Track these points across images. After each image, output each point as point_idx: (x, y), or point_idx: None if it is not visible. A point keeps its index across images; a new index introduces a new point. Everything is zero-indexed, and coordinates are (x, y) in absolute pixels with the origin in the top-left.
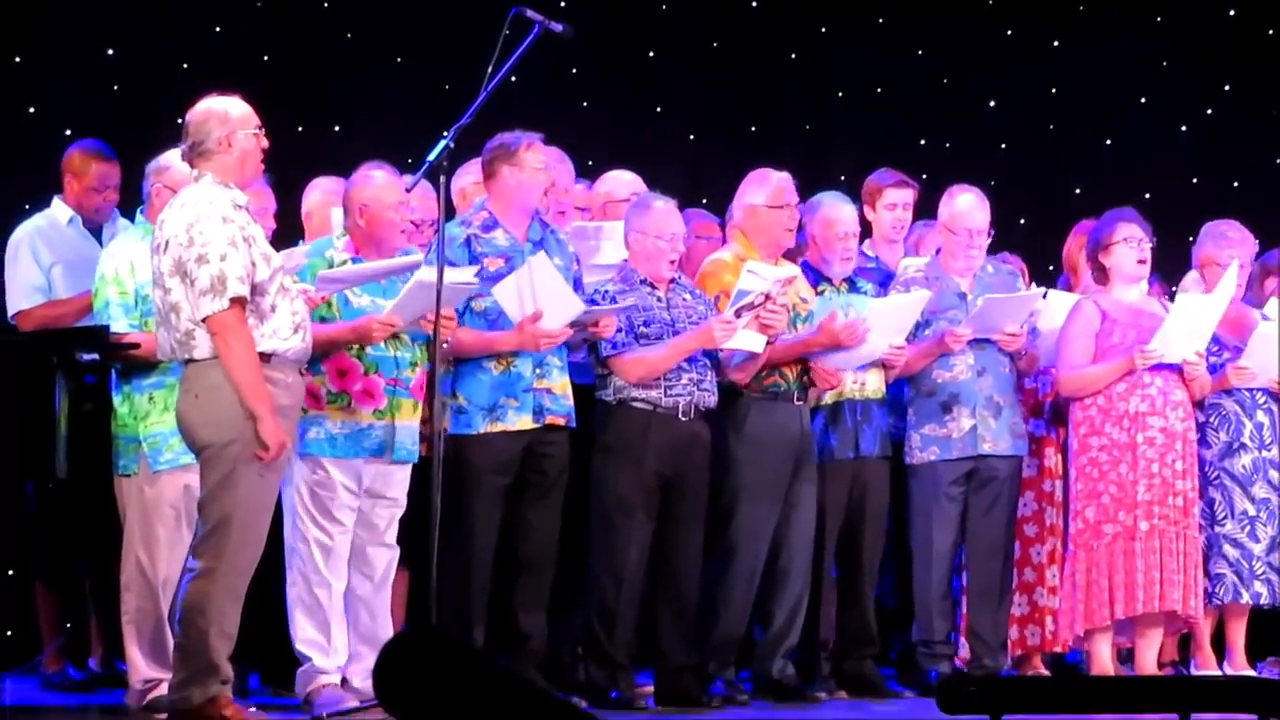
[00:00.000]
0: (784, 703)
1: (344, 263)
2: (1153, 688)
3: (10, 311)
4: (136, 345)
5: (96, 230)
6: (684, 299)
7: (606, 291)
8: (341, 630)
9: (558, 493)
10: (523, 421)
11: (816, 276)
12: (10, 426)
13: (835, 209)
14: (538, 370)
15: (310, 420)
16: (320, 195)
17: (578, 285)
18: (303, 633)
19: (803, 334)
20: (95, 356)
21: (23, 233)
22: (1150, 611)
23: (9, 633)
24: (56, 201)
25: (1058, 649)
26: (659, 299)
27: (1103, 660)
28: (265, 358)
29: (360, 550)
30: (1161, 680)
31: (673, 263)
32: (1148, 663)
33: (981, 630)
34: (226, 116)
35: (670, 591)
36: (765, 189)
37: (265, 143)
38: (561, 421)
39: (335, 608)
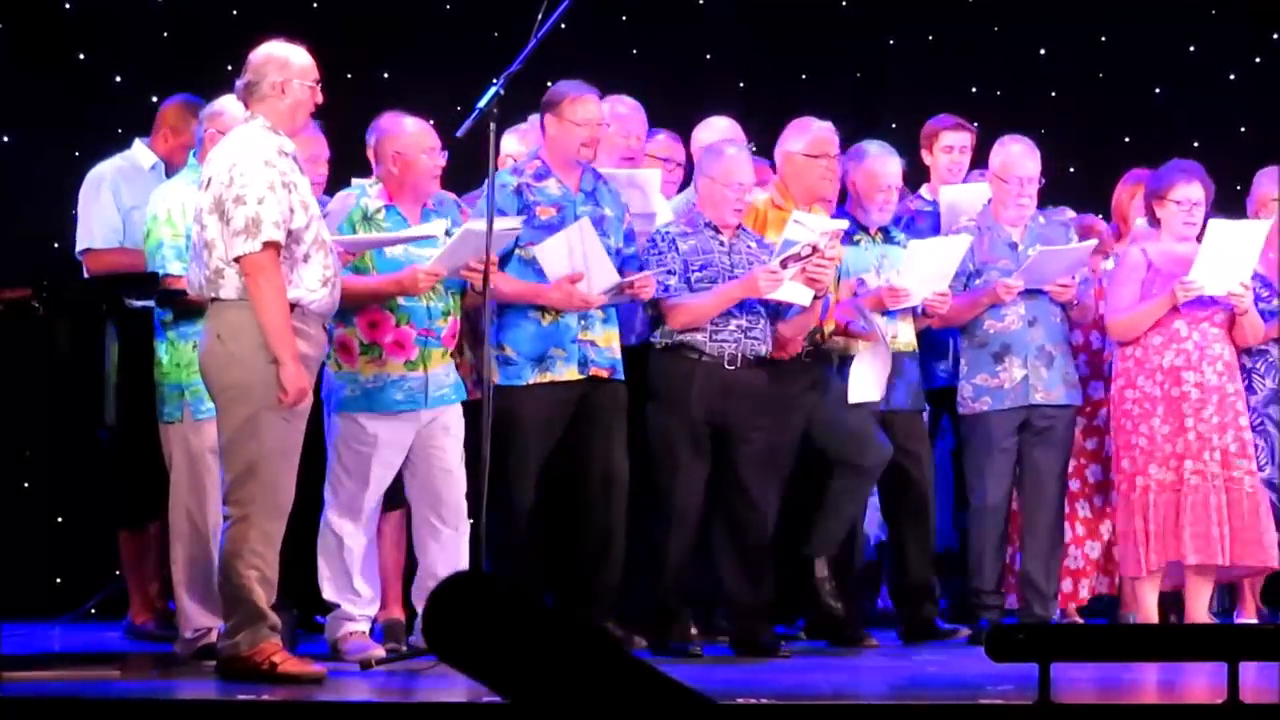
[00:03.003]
0: (836, 648)
1: (378, 210)
2: (1200, 636)
3: (80, 246)
4: (183, 293)
5: None
6: (748, 246)
7: (668, 233)
8: (369, 579)
9: (619, 429)
10: (570, 372)
11: (854, 225)
12: (60, 375)
13: (880, 161)
14: (582, 321)
15: (345, 377)
16: None
17: (629, 236)
18: (328, 585)
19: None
20: (148, 303)
21: (103, 172)
22: (1178, 562)
23: (58, 580)
24: (139, 145)
25: (1102, 592)
26: (721, 244)
27: (1148, 608)
28: (290, 307)
29: (423, 499)
30: (1209, 628)
31: (738, 210)
32: (1198, 612)
33: (1035, 578)
34: (286, 63)
35: (733, 538)
36: (804, 138)
37: (320, 98)
38: (605, 374)
39: (364, 561)
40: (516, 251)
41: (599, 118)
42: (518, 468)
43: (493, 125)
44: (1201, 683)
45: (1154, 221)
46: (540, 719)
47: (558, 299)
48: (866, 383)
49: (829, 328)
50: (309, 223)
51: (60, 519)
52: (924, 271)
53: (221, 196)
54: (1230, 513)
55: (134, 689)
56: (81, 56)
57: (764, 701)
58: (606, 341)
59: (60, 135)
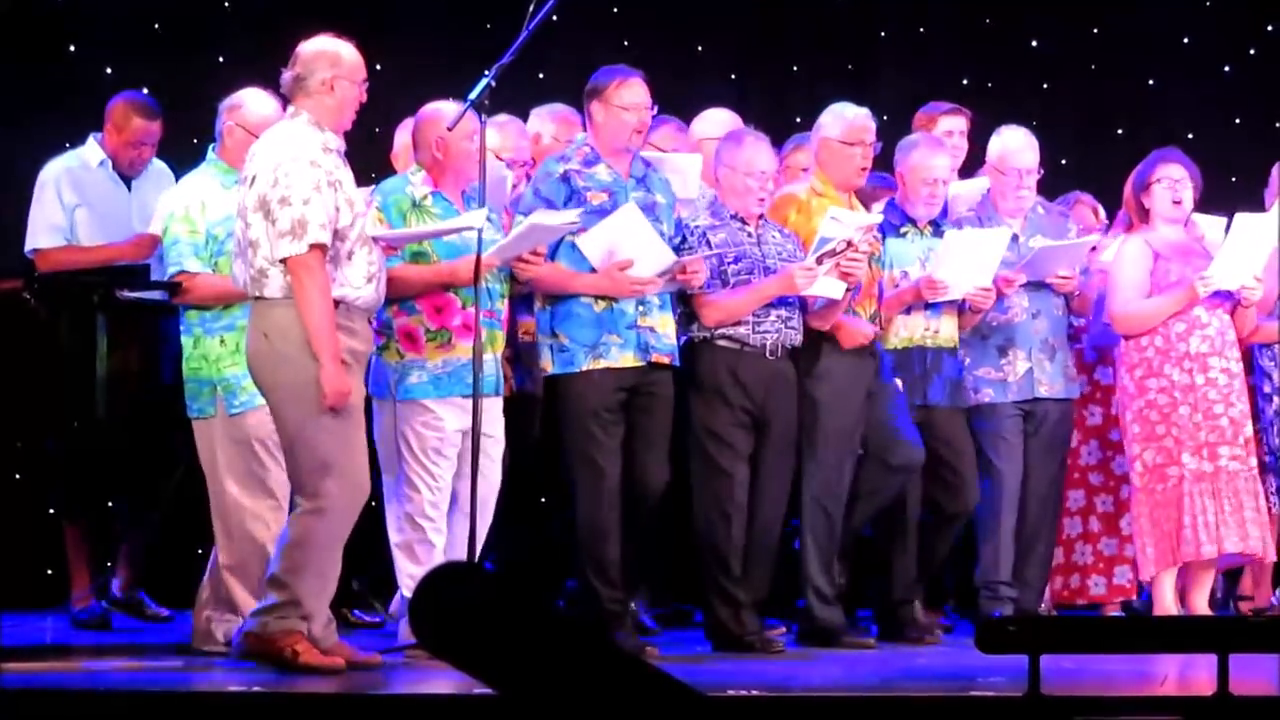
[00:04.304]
0: (830, 647)
1: (424, 197)
2: (1189, 628)
3: (28, 246)
4: (178, 285)
5: (127, 179)
6: (774, 236)
7: (698, 227)
8: None
9: (662, 440)
10: (626, 359)
11: (903, 216)
12: (52, 366)
13: (927, 155)
14: (640, 307)
15: (410, 364)
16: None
17: (679, 225)
18: (410, 579)
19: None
20: (141, 295)
21: (51, 171)
22: (1224, 553)
23: (49, 572)
24: (92, 142)
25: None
26: (749, 234)
27: (1165, 600)
28: (335, 304)
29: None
30: (1198, 620)
31: (762, 200)
32: (1199, 604)
33: (1027, 573)
34: (337, 59)
35: (753, 530)
36: (840, 123)
37: (364, 96)
38: (666, 360)
39: (439, 554)
40: (566, 237)
41: (646, 101)
42: (596, 449)
43: (483, 117)
44: (1191, 675)
45: (1143, 216)
46: (530, 712)
47: (607, 287)
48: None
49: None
50: (354, 220)
51: (51, 510)
52: (962, 264)
53: (266, 196)
54: (1256, 501)
55: (128, 680)
56: (72, 49)
57: (754, 694)
58: (664, 327)
59: (50, 128)
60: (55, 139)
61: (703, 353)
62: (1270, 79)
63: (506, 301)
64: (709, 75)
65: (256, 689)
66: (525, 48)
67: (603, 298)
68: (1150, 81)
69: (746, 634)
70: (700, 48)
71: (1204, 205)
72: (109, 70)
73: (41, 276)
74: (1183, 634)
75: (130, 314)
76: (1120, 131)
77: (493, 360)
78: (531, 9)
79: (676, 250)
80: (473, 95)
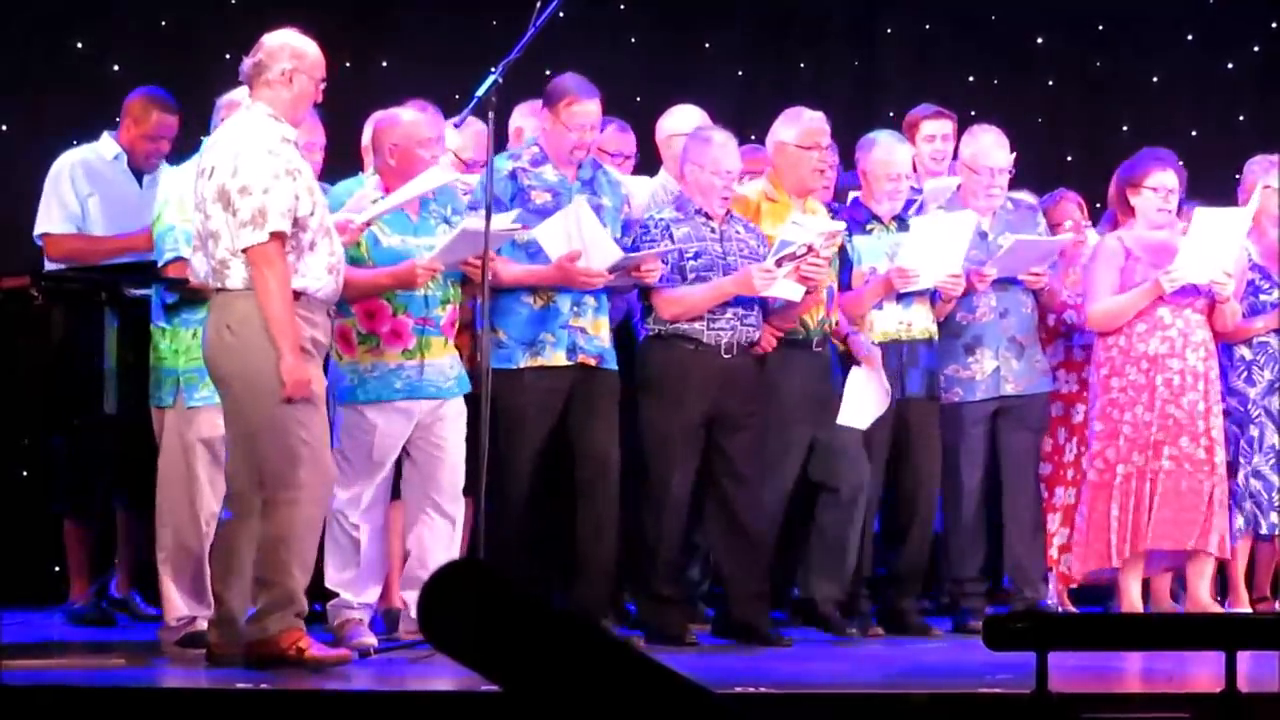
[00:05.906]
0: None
1: (374, 201)
2: (1198, 625)
3: (38, 230)
4: (186, 280)
5: (139, 174)
6: (738, 232)
7: (662, 220)
8: (370, 568)
9: (610, 416)
10: (558, 357)
11: (868, 214)
12: (58, 363)
13: (887, 149)
14: (574, 308)
15: (345, 367)
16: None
17: (627, 227)
18: (331, 572)
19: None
20: (147, 292)
21: (66, 160)
22: (1173, 549)
23: (56, 569)
24: (106, 137)
25: (1072, 585)
26: (712, 230)
27: (1132, 597)
28: (295, 296)
29: (419, 487)
30: (1210, 617)
31: (726, 198)
32: (1201, 595)
33: (1022, 562)
34: (301, 54)
35: (731, 526)
36: (796, 127)
37: (320, 97)
38: (593, 362)
39: (366, 550)
40: (514, 236)
41: (593, 122)
42: (511, 454)
43: (491, 114)
44: (1199, 671)
45: (1127, 209)
46: (536, 709)
47: (559, 278)
48: (857, 409)
49: (835, 318)
50: (314, 209)
51: (54, 508)
52: (929, 251)
53: (225, 187)
54: (1193, 499)
55: (130, 677)
56: (79, 45)
57: (762, 690)
58: (596, 329)
59: (58, 124)
60: (63, 136)
61: (655, 349)
62: (1274, 76)
63: (451, 308)
64: (716, 71)
65: (264, 686)
66: (532, 44)
67: (541, 295)
68: (1155, 79)
69: (670, 630)
70: (707, 44)
71: (1207, 203)
72: (116, 68)
73: (49, 273)
74: (1192, 631)
75: (138, 310)
76: (1125, 129)
77: (430, 365)
78: (539, 6)
79: (635, 245)
80: (480, 92)
